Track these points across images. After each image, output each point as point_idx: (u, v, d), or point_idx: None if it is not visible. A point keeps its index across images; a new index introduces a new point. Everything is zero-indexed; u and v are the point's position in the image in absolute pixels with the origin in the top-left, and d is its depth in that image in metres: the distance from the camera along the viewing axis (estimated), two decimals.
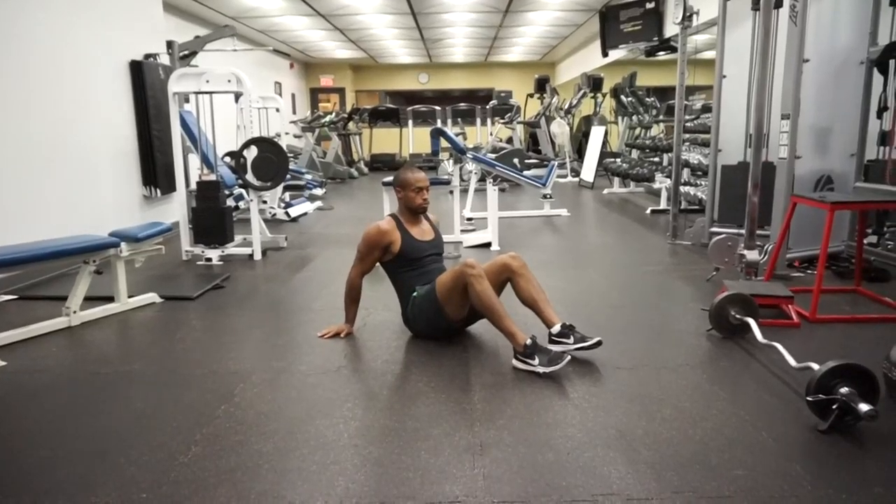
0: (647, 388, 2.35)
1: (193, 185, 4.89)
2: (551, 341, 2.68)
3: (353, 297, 2.99)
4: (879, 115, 4.04)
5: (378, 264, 2.97)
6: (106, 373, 2.60)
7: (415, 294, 2.85)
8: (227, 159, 5.97)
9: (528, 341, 2.49)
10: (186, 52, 6.28)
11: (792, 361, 2.31)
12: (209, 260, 4.61)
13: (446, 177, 8.07)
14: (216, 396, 2.31)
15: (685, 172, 6.36)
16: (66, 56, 4.91)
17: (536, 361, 2.46)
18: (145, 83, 5.88)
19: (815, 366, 2.07)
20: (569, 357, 2.48)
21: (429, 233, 3.01)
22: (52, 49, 4.72)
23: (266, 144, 4.74)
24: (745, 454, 1.86)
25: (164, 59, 6.23)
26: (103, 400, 2.35)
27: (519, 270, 2.76)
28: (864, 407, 1.87)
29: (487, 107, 13.09)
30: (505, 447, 1.92)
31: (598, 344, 2.61)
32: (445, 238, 5.15)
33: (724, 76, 4.73)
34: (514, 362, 2.55)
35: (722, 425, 2.04)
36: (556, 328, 2.69)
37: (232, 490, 1.71)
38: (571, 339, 2.65)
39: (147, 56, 6.05)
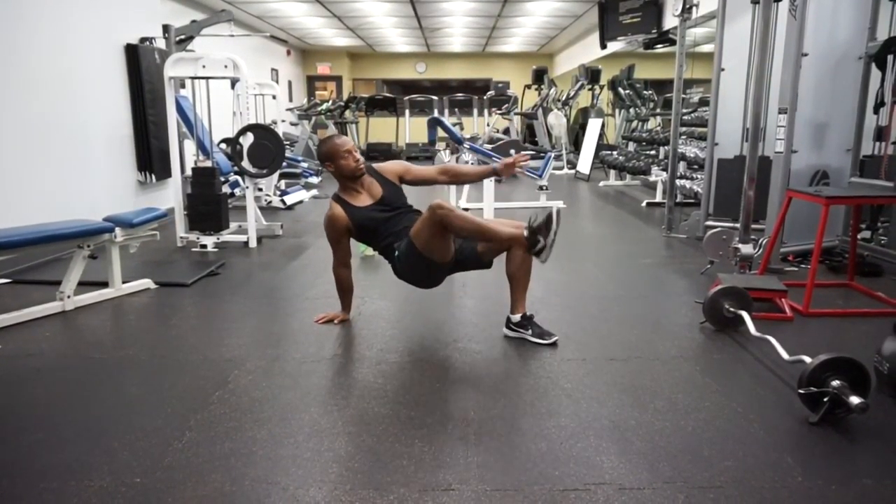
0: (641, 379, 2.36)
1: (189, 172, 4.86)
2: (508, 326, 2.77)
3: (343, 287, 2.98)
4: (876, 111, 4.05)
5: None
6: (100, 358, 2.60)
7: (396, 254, 2.73)
8: (224, 146, 5.96)
9: (526, 232, 2.54)
10: (183, 37, 6.22)
11: (784, 354, 2.33)
12: (204, 247, 4.59)
13: None
14: (210, 383, 2.31)
15: (681, 166, 6.36)
16: (61, 39, 4.86)
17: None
18: (141, 67, 5.84)
19: (808, 359, 2.08)
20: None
21: (376, 191, 2.83)
22: (47, 32, 4.68)
23: (262, 131, 4.71)
24: (736, 445, 1.87)
25: (161, 44, 6.18)
26: (97, 385, 2.34)
27: (525, 246, 2.71)
28: (855, 400, 1.88)
29: (485, 97, 13.05)
30: (498, 436, 1.93)
31: (554, 344, 2.67)
32: None
33: (723, 69, 4.72)
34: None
35: (714, 417, 2.06)
36: (517, 317, 2.75)
37: (226, 476, 1.71)
38: (529, 332, 2.72)
39: (143, 40, 6.00)
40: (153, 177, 5.99)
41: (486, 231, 2.60)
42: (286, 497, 1.62)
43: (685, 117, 6.78)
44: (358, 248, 4.45)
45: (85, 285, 3.29)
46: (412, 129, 13.48)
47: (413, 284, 2.86)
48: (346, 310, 3.02)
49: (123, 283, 3.46)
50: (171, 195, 5.17)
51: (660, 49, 8.48)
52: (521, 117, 12.99)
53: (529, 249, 2.56)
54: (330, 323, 2.97)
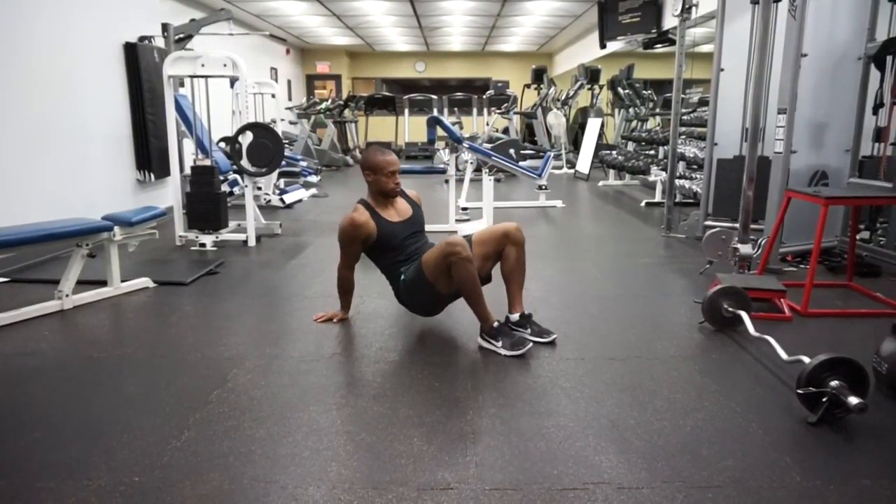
0: (640, 378, 2.36)
1: (188, 170, 4.86)
2: (507, 326, 2.76)
3: (344, 288, 2.98)
4: (875, 112, 4.06)
5: None
6: (99, 356, 2.60)
7: (402, 278, 2.79)
8: (223, 144, 5.95)
9: (496, 323, 2.62)
10: (182, 36, 6.21)
11: (783, 354, 2.33)
12: (203, 245, 4.58)
13: (442, 166, 8.05)
14: (209, 381, 2.31)
15: (681, 166, 6.37)
16: (60, 39, 4.85)
17: (500, 343, 2.59)
18: (140, 66, 5.83)
19: (806, 359, 2.08)
20: (530, 344, 2.61)
21: (405, 211, 2.89)
22: (46, 32, 4.67)
23: (261, 130, 4.71)
24: (735, 445, 1.87)
25: (160, 42, 6.17)
26: (96, 384, 2.34)
27: (518, 242, 2.79)
28: (853, 400, 1.88)
29: (484, 96, 13.05)
30: (497, 435, 1.93)
31: (553, 343, 2.69)
32: (440, 228, 5.17)
33: (722, 69, 4.72)
34: (480, 340, 2.67)
35: (713, 417, 2.06)
36: (515, 317, 2.77)
37: (224, 475, 1.71)
38: (528, 331, 2.73)
39: (142, 38, 5.99)
40: (152, 175, 5.98)
41: (473, 296, 2.60)
42: (285, 496, 1.62)
43: (684, 117, 6.78)
44: None
45: (83, 284, 3.29)
46: (411, 128, 13.49)
47: (413, 311, 2.92)
48: (346, 309, 3.02)
49: (122, 281, 3.45)
50: (170, 194, 5.17)
51: (659, 49, 8.49)
52: (521, 117, 13.00)
53: (485, 332, 2.65)
54: (329, 322, 2.97)
